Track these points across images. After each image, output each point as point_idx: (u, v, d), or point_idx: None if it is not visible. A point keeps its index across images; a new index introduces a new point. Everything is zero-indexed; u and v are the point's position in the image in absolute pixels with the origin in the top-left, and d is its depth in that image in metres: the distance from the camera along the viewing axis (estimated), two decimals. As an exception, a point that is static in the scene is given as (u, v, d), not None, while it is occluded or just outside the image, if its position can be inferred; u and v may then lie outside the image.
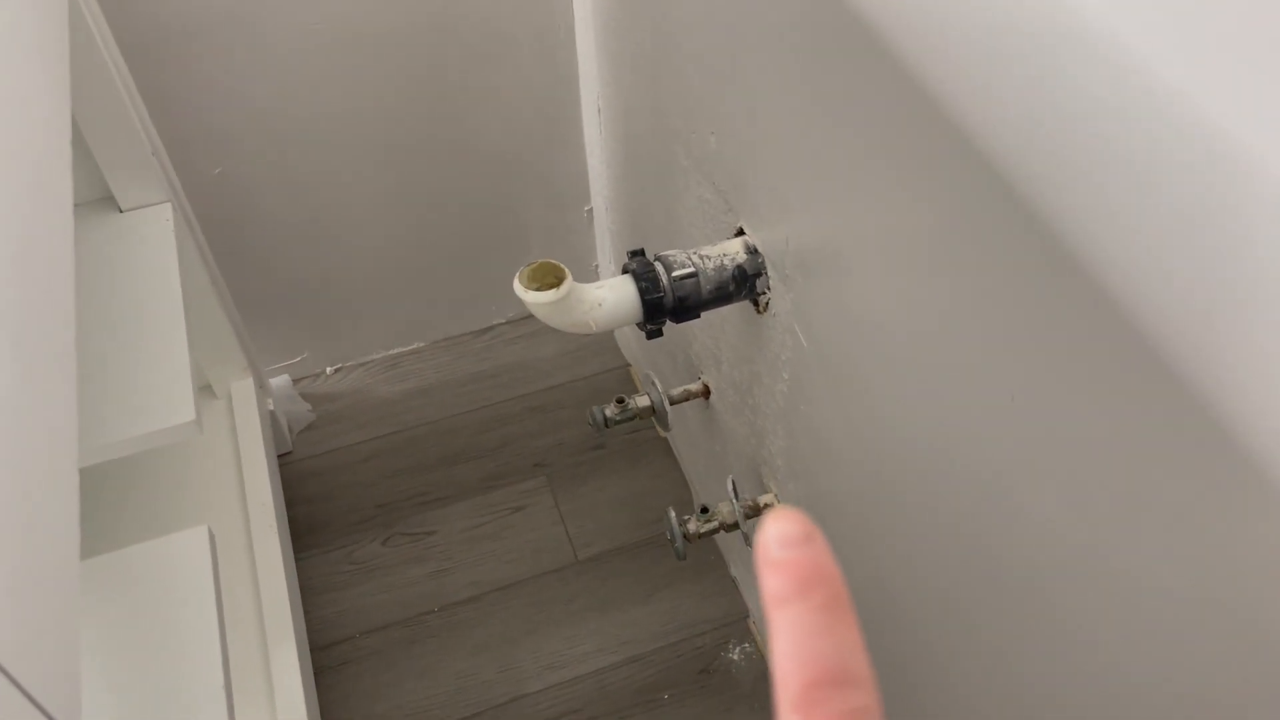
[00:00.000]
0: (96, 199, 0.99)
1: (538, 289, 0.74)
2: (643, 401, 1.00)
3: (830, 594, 0.20)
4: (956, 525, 0.59)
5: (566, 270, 0.74)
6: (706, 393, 1.03)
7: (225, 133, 1.10)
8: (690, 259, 0.77)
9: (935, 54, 0.47)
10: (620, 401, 1.00)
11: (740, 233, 0.80)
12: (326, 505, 1.26)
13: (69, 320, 0.56)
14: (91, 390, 0.82)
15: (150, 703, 0.65)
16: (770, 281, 0.77)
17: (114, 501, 1.06)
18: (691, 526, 0.91)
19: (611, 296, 0.76)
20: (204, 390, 1.18)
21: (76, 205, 0.99)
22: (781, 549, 0.20)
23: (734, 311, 0.87)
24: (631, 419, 1.00)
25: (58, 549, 0.46)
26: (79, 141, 0.94)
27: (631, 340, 1.35)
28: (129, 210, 0.99)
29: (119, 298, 0.90)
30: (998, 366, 0.50)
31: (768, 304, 0.79)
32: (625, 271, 0.78)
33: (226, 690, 0.66)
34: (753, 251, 0.78)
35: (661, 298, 0.76)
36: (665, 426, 1.03)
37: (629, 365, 1.39)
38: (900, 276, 0.58)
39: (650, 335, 0.79)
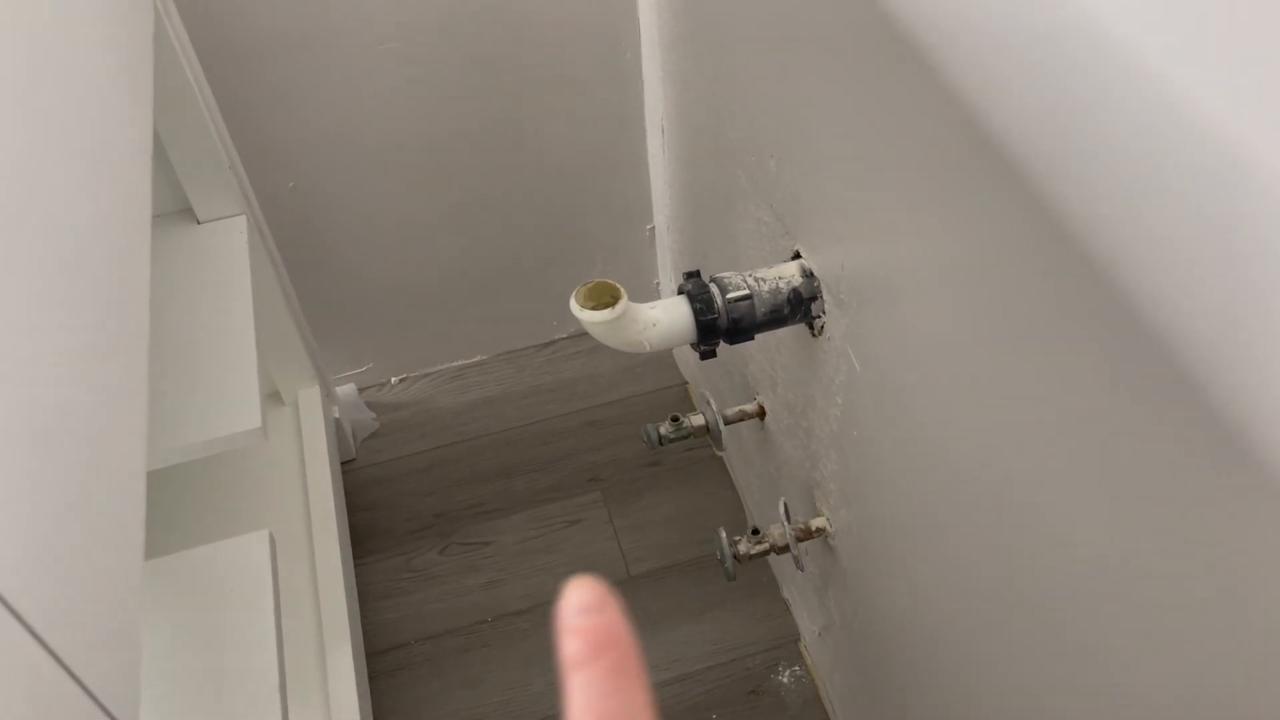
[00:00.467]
0: (176, 210, 1.03)
1: (594, 308, 0.75)
2: (697, 420, 1.00)
3: (620, 658, 0.21)
4: (1006, 555, 0.59)
5: (622, 290, 0.75)
6: (761, 414, 1.03)
7: (299, 148, 1.14)
8: (745, 281, 0.77)
9: (992, 85, 0.47)
10: (675, 420, 1.00)
11: (796, 256, 0.81)
12: (387, 512, 1.28)
13: (143, 327, 0.59)
14: (163, 394, 0.85)
15: (206, 702, 0.67)
16: (825, 305, 0.77)
17: (180, 503, 1.09)
18: (742, 547, 0.91)
19: (666, 317, 0.77)
20: (272, 397, 1.22)
21: (157, 216, 1.03)
22: (578, 616, 0.22)
23: (789, 334, 0.88)
24: (686, 437, 1.01)
25: (123, 549, 0.48)
26: (161, 155, 0.98)
27: (689, 358, 1.36)
28: (206, 222, 1.02)
29: (194, 306, 0.94)
30: (1050, 398, 0.49)
31: (822, 328, 0.79)
32: (680, 293, 0.78)
33: (281, 692, 0.68)
34: (808, 275, 0.78)
35: (715, 319, 0.76)
36: (720, 446, 1.03)
37: (686, 383, 1.39)
38: (954, 304, 0.57)
39: (704, 356, 0.80)
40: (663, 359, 1.42)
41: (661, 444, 1.00)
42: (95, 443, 0.48)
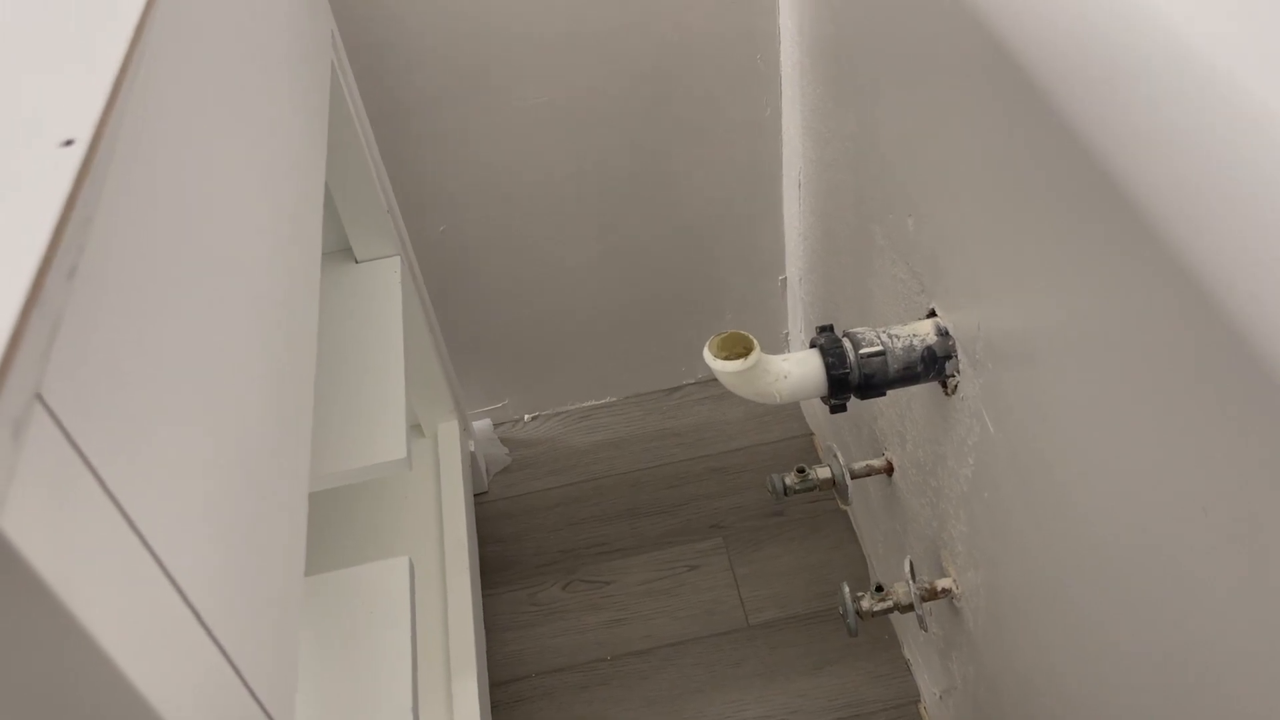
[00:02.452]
0: (337, 250, 1.10)
1: (726, 358, 0.77)
2: (823, 473, 1.01)
3: None
4: (1147, 631, 0.58)
5: (755, 341, 0.76)
6: (889, 469, 1.03)
7: (451, 194, 1.20)
8: (879, 337, 0.78)
9: (1139, 148, 0.48)
10: (801, 471, 1.01)
11: (932, 314, 0.81)
12: (515, 546, 1.32)
13: (311, 359, 0.63)
14: (318, 422, 0.91)
15: (343, 718, 0.71)
16: (960, 365, 0.77)
17: (323, 526, 1.15)
18: (865, 604, 0.90)
19: (797, 370, 0.78)
20: (413, 429, 1.28)
21: (323, 254, 1.10)
22: None
23: (922, 391, 0.88)
24: (811, 489, 1.01)
25: (289, 565, 0.52)
26: (327, 199, 1.05)
27: (817, 410, 1.36)
28: (364, 261, 1.09)
29: (349, 340, 1.00)
30: (1191, 475, 0.49)
31: (956, 387, 0.79)
32: (813, 346, 0.79)
33: (414, 714, 0.71)
34: (943, 334, 0.78)
35: (847, 374, 0.77)
36: (845, 500, 1.03)
37: (812, 434, 1.40)
38: (1094, 371, 0.57)
39: (834, 410, 0.81)
40: (790, 409, 1.43)
41: (786, 495, 1.01)
42: (271, 467, 0.52)
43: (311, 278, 0.68)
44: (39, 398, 0.30)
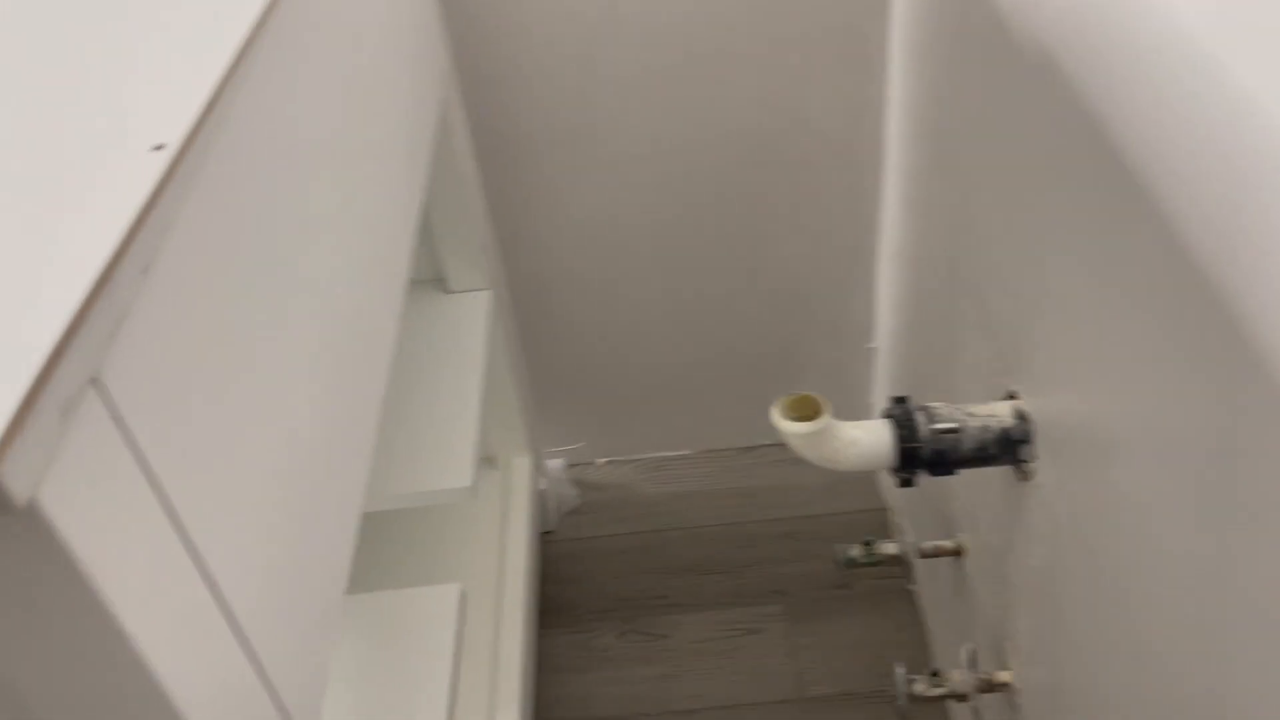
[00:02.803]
0: (431, 279, 1.13)
1: (795, 419, 0.76)
2: (890, 549, 0.98)
3: None
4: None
5: (826, 405, 0.75)
6: (959, 552, 1.00)
7: (548, 234, 1.22)
8: (954, 414, 0.76)
9: (1255, 257, 0.46)
10: (867, 544, 0.99)
11: (1012, 396, 0.79)
12: (575, 588, 1.32)
13: (381, 383, 0.65)
14: (389, 443, 0.93)
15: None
16: (1036, 451, 0.75)
17: (384, 547, 1.17)
18: (919, 688, 0.87)
19: (867, 438, 0.76)
20: (486, 460, 1.29)
21: (415, 281, 1.13)
22: None
23: (998, 475, 0.85)
24: (876, 564, 0.99)
25: (331, 581, 0.52)
26: (427, 228, 1.08)
27: (893, 484, 1.33)
28: (455, 293, 1.11)
29: (431, 367, 1.02)
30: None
31: (1031, 473, 0.77)
32: (886, 416, 0.78)
33: None
34: (1022, 418, 0.76)
35: (918, 448, 0.75)
36: (912, 579, 1.00)
37: (887, 509, 1.36)
38: (1178, 476, 0.55)
39: (902, 484, 0.79)
40: (866, 481, 1.40)
41: (850, 566, 0.99)
42: (325, 480, 0.54)
43: (392, 303, 0.70)
44: (95, 383, 0.32)
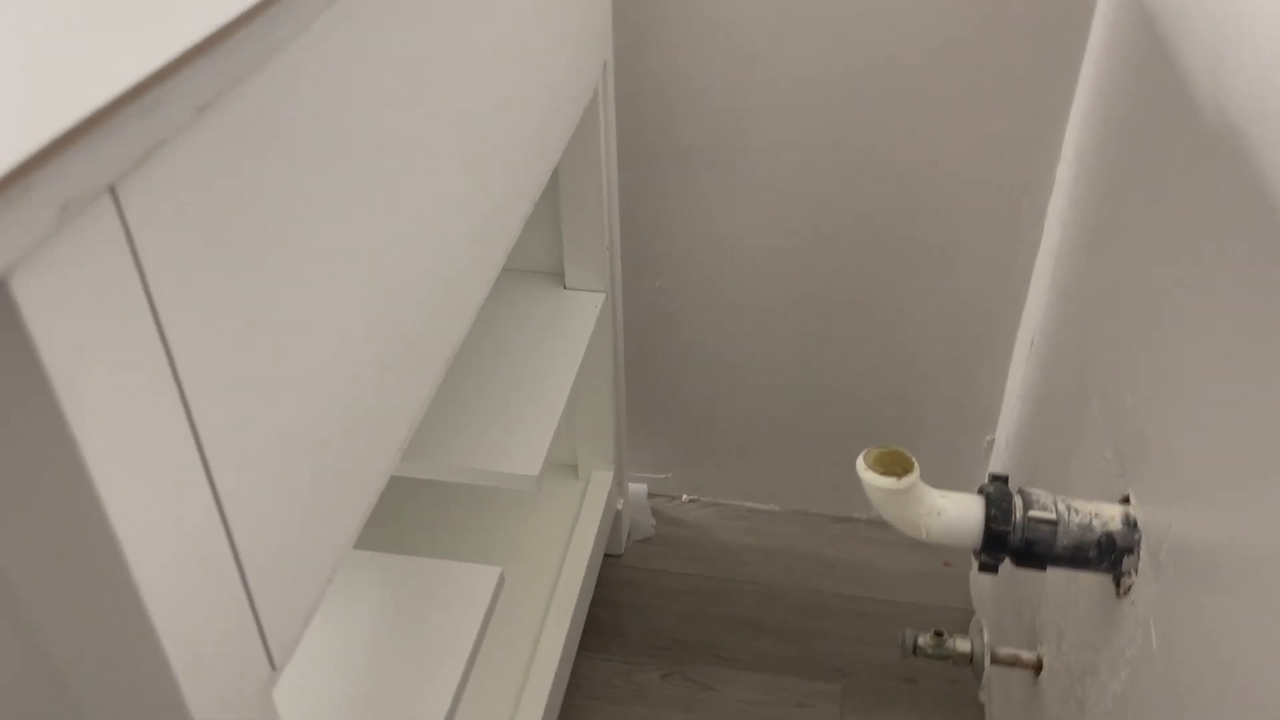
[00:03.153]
0: (549, 272, 1.12)
1: (882, 473, 0.71)
2: (962, 646, 0.91)
3: None
4: None
5: (916, 465, 0.70)
6: (1038, 666, 0.91)
7: (676, 253, 1.20)
8: (1055, 505, 0.69)
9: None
10: (939, 635, 0.91)
11: (1125, 500, 0.71)
12: (629, 618, 1.27)
13: (451, 338, 0.63)
14: (467, 419, 0.91)
15: (372, 705, 0.69)
16: (1139, 563, 0.67)
17: (447, 523, 1.15)
18: (961, 798, 0.79)
19: (954, 510, 0.70)
20: (568, 468, 1.27)
21: (532, 271, 1.12)
22: None
23: (1093, 586, 0.77)
24: (945, 659, 0.91)
25: (341, 525, 0.50)
26: (555, 218, 1.07)
27: (984, 589, 1.24)
28: (570, 289, 1.10)
29: (528, 355, 1.00)
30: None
31: (1129, 589, 0.69)
32: (981, 493, 0.72)
33: None
34: (1130, 524, 0.68)
35: (1007, 533, 0.69)
36: (980, 685, 0.92)
37: (974, 614, 1.27)
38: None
39: (983, 568, 0.72)
40: (956, 580, 1.31)
41: (916, 654, 0.91)
42: (360, 419, 0.52)
43: (485, 260, 0.68)
44: (112, 194, 0.30)
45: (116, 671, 0.37)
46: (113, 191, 0.30)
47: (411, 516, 1.15)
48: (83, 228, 0.29)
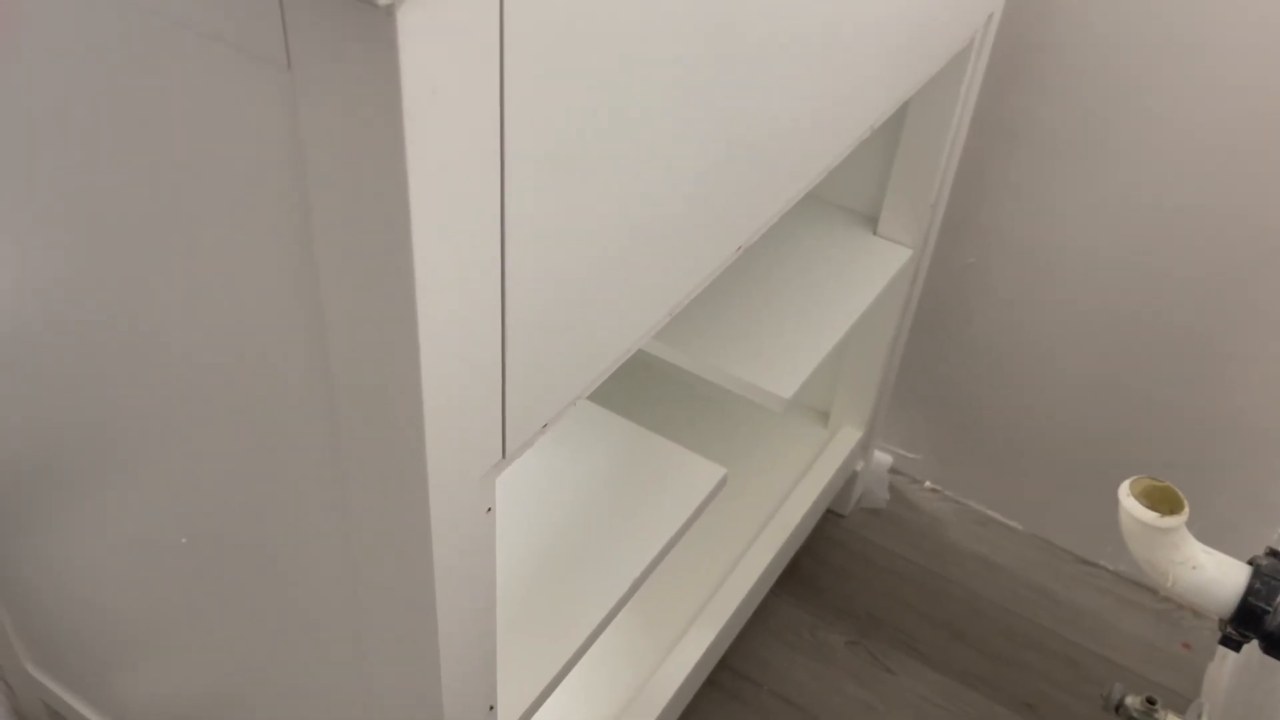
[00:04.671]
0: (864, 214, 1.10)
1: (1146, 505, 0.65)
2: (1173, 721, 0.83)
3: None
4: None
5: (1186, 507, 0.64)
6: (1252, 777, 0.82)
7: (1000, 234, 1.14)
8: (1335, 603, 0.62)
9: None
10: (1150, 702, 0.84)
11: None
12: (831, 577, 1.26)
13: (754, 226, 0.63)
14: (742, 325, 0.93)
15: (565, 552, 0.72)
16: None
17: (691, 417, 1.18)
18: None
19: (1213, 570, 0.64)
20: (819, 415, 1.26)
21: (847, 208, 1.10)
22: None
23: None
24: (1149, 729, 0.84)
25: (600, 353, 0.52)
26: (881, 164, 1.04)
27: (1219, 680, 1.13)
28: (879, 237, 1.08)
29: (818, 286, 0.99)
30: None
31: (1394, 723, 0.60)
32: (1251, 562, 0.65)
33: (617, 603, 0.70)
34: None
35: (1264, 612, 0.62)
36: (1180, 771, 0.84)
37: (1199, 700, 1.16)
38: None
39: (1223, 641, 0.66)
40: (1191, 668, 1.20)
41: (1118, 711, 0.85)
42: (651, 267, 0.53)
43: (802, 166, 0.68)
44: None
45: (378, 399, 0.41)
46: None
47: (655, 403, 1.19)
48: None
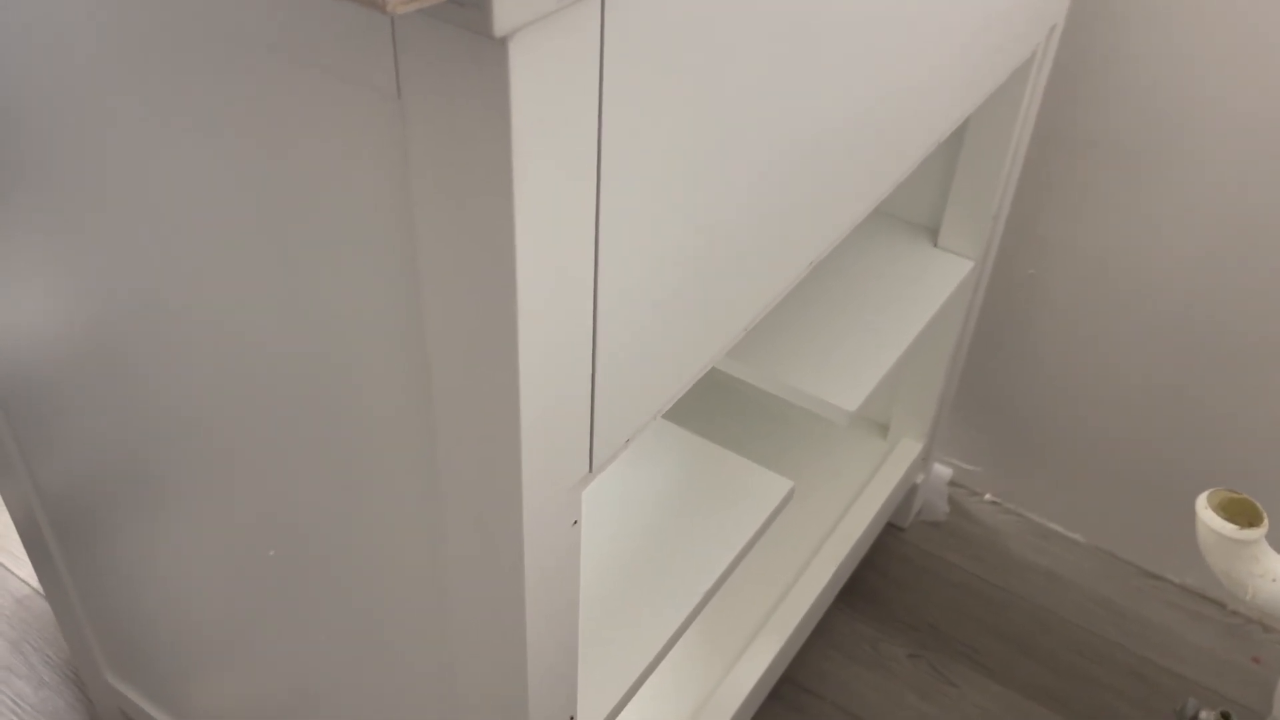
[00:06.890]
0: (924, 225, 1.10)
1: (1224, 518, 0.65)
2: (1251, 738, 0.82)
3: None
4: None
5: (1266, 519, 0.63)
6: (1334, 795, 0.81)
7: (1063, 245, 1.13)
8: None
9: None
10: (1225, 717, 0.83)
11: None
12: (893, 590, 1.25)
13: (826, 240, 0.64)
14: (807, 338, 0.93)
15: (638, 564, 0.73)
16: None
17: (756, 436, 1.18)
18: None
19: (1296, 583, 0.63)
20: (878, 427, 1.25)
21: (907, 221, 1.10)
22: None
23: None
24: (1224, 745, 0.83)
25: (685, 365, 0.53)
26: (942, 176, 1.04)
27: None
28: (940, 248, 1.07)
29: (880, 298, 1.00)
30: None
31: None
32: (1334, 576, 0.64)
33: (689, 613, 0.71)
34: None
35: (1353, 625, 0.61)
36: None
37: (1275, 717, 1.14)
38: None
39: (1309, 655, 0.65)
40: (1261, 682, 1.18)
41: (1191, 726, 0.84)
42: (735, 280, 0.54)
43: (877, 177, 0.68)
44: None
45: (476, 414, 0.42)
46: (602, -14, 0.34)
47: (715, 416, 1.20)
48: (575, 10, 0.33)
